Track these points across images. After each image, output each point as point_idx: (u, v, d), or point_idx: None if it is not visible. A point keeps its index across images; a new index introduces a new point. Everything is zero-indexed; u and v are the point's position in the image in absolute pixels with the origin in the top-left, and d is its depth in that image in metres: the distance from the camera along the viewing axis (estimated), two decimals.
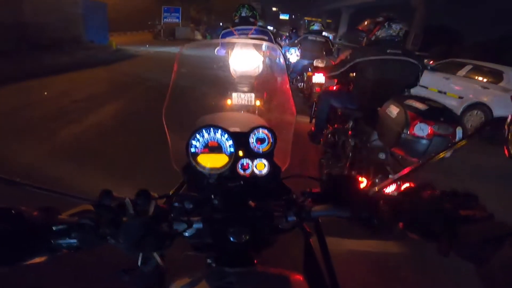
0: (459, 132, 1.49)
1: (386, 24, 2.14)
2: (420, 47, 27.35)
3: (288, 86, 0.96)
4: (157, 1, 22.04)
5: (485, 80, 5.55)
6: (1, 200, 0.43)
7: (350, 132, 2.15)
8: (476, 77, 5.75)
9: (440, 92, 6.26)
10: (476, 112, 5.36)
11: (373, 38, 2.22)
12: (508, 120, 0.48)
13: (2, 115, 3.56)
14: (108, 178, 2.32)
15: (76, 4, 10.88)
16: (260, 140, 0.69)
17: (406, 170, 0.53)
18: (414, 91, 6.88)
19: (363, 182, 1.88)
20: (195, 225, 0.52)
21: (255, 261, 0.56)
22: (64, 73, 6.35)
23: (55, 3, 10.50)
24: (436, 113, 1.51)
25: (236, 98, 2.33)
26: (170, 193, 0.65)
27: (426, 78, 6.69)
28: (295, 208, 0.55)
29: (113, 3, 19.68)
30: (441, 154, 0.52)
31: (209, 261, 0.61)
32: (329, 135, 2.50)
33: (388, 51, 2.07)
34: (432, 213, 0.47)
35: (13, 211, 0.42)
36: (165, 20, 19.34)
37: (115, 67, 8.11)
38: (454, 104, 5.81)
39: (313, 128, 2.73)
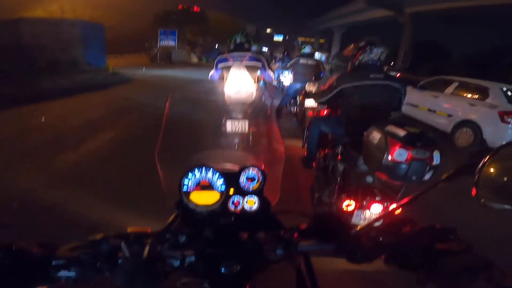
0: (436, 156, 1.57)
1: (367, 49, 2.23)
2: (410, 64, 28.15)
3: (276, 127, 1.02)
4: (154, 24, 22.68)
5: (472, 97, 5.61)
6: (4, 233, 0.47)
7: (339, 157, 2.21)
8: (464, 94, 5.81)
9: (430, 110, 6.31)
10: (465, 129, 5.39)
11: (356, 63, 2.32)
12: (480, 165, 0.51)
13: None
14: (104, 207, 2.35)
15: (74, 26, 10.98)
16: (250, 179, 0.72)
17: (388, 212, 0.59)
18: (405, 111, 6.97)
19: (351, 205, 1.93)
20: (188, 259, 0.55)
21: (248, 287, 0.59)
22: (62, 97, 6.45)
23: (53, 25, 10.74)
24: (414, 138, 1.59)
25: (230, 126, 2.39)
26: (167, 223, 0.68)
27: (416, 96, 6.77)
28: (283, 243, 0.58)
29: (110, 25, 20.00)
30: (419, 194, 0.56)
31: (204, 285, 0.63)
32: (321, 160, 2.57)
33: (371, 76, 2.16)
34: (411, 247, 0.52)
35: (14, 247, 0.46)
36: (161, 43, 19.58)
37: (112, 91, 8.21)
38: (443, 122, 5.87)
39: (305, 153, 2.80)
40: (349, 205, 1.93)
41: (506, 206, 0.53)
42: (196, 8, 25.84)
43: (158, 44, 19.50)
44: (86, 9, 22.39)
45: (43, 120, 4.74)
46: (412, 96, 6.86)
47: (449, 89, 6.14)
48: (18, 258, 0.45)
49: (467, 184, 0.53)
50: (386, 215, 0.60)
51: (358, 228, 0.57)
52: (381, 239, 0.55)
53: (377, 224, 0.62)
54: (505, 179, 0.53)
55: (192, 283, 0.61)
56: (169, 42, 19.97)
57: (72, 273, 0.49)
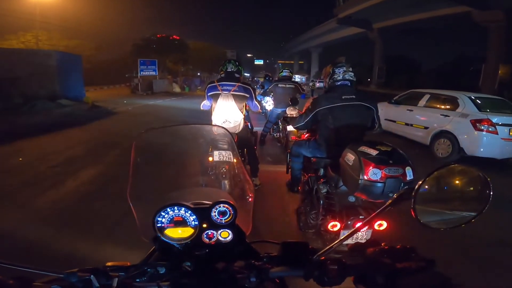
0: (408, 171, 1.64)
1: (330, 71, 2.34)
2: (385, 78, 29.51)
3: (243, 166, 1.05)
4: (133, 53, 22.59)
5: (444, 107, 5.80)
6: None
7: (321, 180, 2.25)
8: (436, 106, 6.00)
9: (407, 124, 6.47)
10: (443, 140, 5.54)
11: (327, 86, 2.43)
12: (414, 190, 0.56)
13: None
14: (84, 244, 2.29)
15: (50, 57, 10.57)
16: (222, 213, 0.76)
17: (350, 233, 0.62)
18: (384, 126, 7.17)
19: (337, 226, 1.95)
20: None
21: None
22: (40, 135, 6.27)
23: (28, 56, 10.30)
24: (385, 157, 1.66)
25: (217, 155, 2.38)
26: (145, 257, 0.73)
27: (392, 111, 6.96)
28: (256, 271, 0.61)
29: (87, 55, 19.66)
30: (388, 206, 0.61)
31: None
32: (305, 184, 2.60)
33: (343, 97, 2.23)
34: (373, 268, 0.55)
35: None
36: (141, 73, 19.24)
37: (92, 126, 8.02)
38: (421, 135, 6.03)
39: (289, 178, 2.82)
40: (334, 225, 1.95)
41: (441, 226, 0.58)
42: (175, 36, 26.31)
43: (139, 74, 19.17)
44: (63, 38, 21.98)
45: (20, 160, 4.60)
46: (389, 111, 7.07)
47: (422, 102, 6.35)
48: None
49: None
50: (344, 239, 0.63)
51: (320, 253, 0.61)
52: (345, 262, 0.58)
53: (342, 248, 0.66)
54: (437, 201, 0.58)
55: None
56: (149, 72, 19.74)
57: None
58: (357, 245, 0.63)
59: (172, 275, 0.61)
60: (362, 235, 1.90)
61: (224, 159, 2.30)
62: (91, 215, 2.95)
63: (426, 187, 0.57)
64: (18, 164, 4.46)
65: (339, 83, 2.32)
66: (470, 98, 5.50)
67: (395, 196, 0.61)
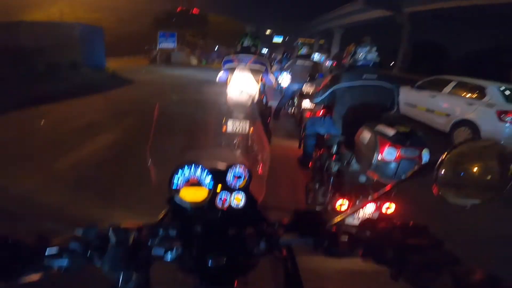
0: (425, 154, 1.59)
1: (353, 50, 2.28)
2: (410, 63, 28.17)
3: (262, 129, 1.04)
4: (153, 26, 22.66)
5: (470, 96, 5.60)
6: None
7: (334, 157, 2.24)
8: (461, 94, 5.80)
9: (428, 110, 6.32)
10: (463, 128, 5.40)
11: (347, 64, 2.36)
12: (438, 162, 0.53)
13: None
14: (101, 203, 2.41)
15: (73, 28, 10.95)
16: (237, 177, 0.76)
17: (364, 203, 0.62)
18: (403, 111, 7.06)
19: (345, 204, 1.95)
20: (175, 251, 0.59)
21: (235, 283, 0.62)
22: (62, 100, 6.46)
23: (52, 28, 10.70)
24: (403, 137, 1.61)
25: (231, 125, 2.44)
26: (158, 218, 0.72)
27: (414, 96, 6.80)
28: (266, 237, 0.62)
29: (109, 28, 19.96)
30: (400, 183, 0.61)
31: (193, 282, 0.65)
32: (316, 160, 2.60)
33: (364, 76, 2.18)
34: (384, 243, 0.55)
35: (9, 240, 0.49)
36: (160, 45, 19.45)
37: (112, 93, 8.22)
38: (442, 122, 5.89)
39: (302, 153, 2.82)
40: (342, 204, 1.95)
41: (465, 201, 0.55)
42: (195, 10, 25.87)
43: (158, 46, 19.41)
44: (85, 11, 22.46)
45: (42, 123, 4.78)
46: (410, 96, 6.87)
47: (447, 89, 6.14)
48: (14, 249, 0.49)
49: None
50: (356, 208, 0.65)
51: (332, 222, 0.61)
52: (357, 235, 0.58)
53: (354, 221, 0.65)
54: (463, 175, 0.55)
55: (180, 279, 0.64)
56: (168, 45, 19.88)
57: (64, 262, 0.52)
58: (369, 220, 0.62)
59: (183, 237, 0.61)
60: (370, 216, 1.91)
61: (240, 129, 2.34)
62: (108, 179, 3.07)
63: (450, 161, 0.54)
64: (40, 127, 4.64)
65: (360, 62, 2.26)
66: (498, 88, 5.27)
67: (415, 168, 0.59)
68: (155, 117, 0.93)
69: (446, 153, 0.53)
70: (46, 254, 0.52)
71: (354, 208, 0.65)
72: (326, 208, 2.18)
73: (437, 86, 6.43)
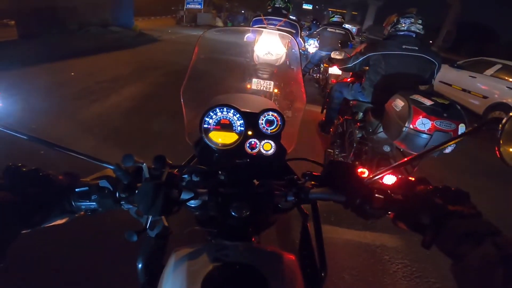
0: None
1: (395, 20, 2.14)
2: (452, 44, 26.01)
3: (301, 78, 1.01)
4: None
5: None
6: (30, 162, 0.48)
7: (358, 124, 2.18)
8: (504, 77, 5.45)
9: (464, 90, 6.05)
10: (498, 112, 5.16)
11: (386, 33, 2.23)
12: (504, 121, 0.48)
13: (32, 93, 3.81)
14: (126, 150, 2.50)
15: None
16: (269, 122, 0.73)
17: (402, 161, 0.55)
18: (437, 89, 6.69)
19: (365, 173, 1.92)
20: (201, 197, 0.55)
21: (253, 239, 0.58)
22: (91, 56, 6.61)
23: None
24: (440, 109, 1.51)
25: (256, 84, 2.43)
26: (182, 164, 0.69)
27: (451, 75, 6.47)
28: (295, 189, 0.57)
29: None
30: (436, 149, 0.54)
31: (210, 235, 0.64)
32: (339, 126, 2.54)
33: (404, 46, 2.06)
34: (421, 206, 0.49)
35: (40, 173, 0.47)
36: (187, 6, 19.22)
37: (138, 51, 8.32)
38: (477, 104, 5.66)
39: (323, 118, 2.76)
40: (362, 172, 1.91)
41: None
42: None
43: (185, 7, 19.21)
44: None
45: (72, 74, 4.93)
46: (447, 74, 6.59)
47: (489, 71, 5.78)
48: (44, 184, 0.47)
49: None
50: (400, 164, 0.56)
51: (370, 177, 0.55)
52: (392, 196, 0.53)
53: (391, 181, 0.59)
54: None
55: (199, 231, 0.64)
56: (195, 5, 19.66)
57: (92, 204, 0.51)
58: (405, 180, 0.54)
59: (210, 183, 0.58)
60: None
61: (263, 88, 2.31)
62: (131, 128, 3.17)
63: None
64: (70, 77, 4.81)
65: (402, 33, 2.12)
66: None
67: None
68: (194, 56, 0.90)
69: (507, 117, 0.47)
70: (76, 191, 0.50)
71: (387, 169, 0.55)
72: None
73: (479, 68, 6.07)
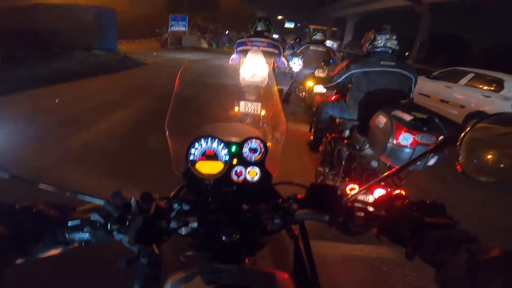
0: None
1: (372, 36, 2.25)
2: (426, 54, 27.26)
3: (279, 101, 1.05)
4: (165, 9, 22.44)
5: (487, 88, 5.50)
6: (21, 198, 0.50)
7: (345, 141, 2.24)
8: (478, 86, 5.70)
9: (442, 101, 6.23)
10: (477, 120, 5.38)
11: (365, 50, 2.34)
12: (461, 136, 0.51)
13: (15, 121, 3.73)
14: (115, 180, 2.47)
15: (87, 11, 11.12)
16: (253, 150, 0.76)
17: (380, 178, 0.60)
18: (416, 101, 6.93)
19: (355, 189, 1.96)
20: (191, 224, 0.58)
21: (246, 260, 0.61)
22: (75, 80, 6.56)
23: (67, 10, 10.89)
24: (420, 123, 1.60)
25: (244, 106, 2.46)
26: (171, 195, 0.72)
27: (429, 87, 6.68)
28: (281, 212, 0.61)
29: (121, 10, 19.96)
30: (410, 164, 0.59)
31: (205, 259, 0.65)
32: (327, 144, 2.60)
33: (382, 63, 2.16)
34: (401, 220, 0.53)
35: (34, 210, 0.49)
36: (172, 28, 19.40)
37: (124, 74, 8.30)
38: (455, 113, 5.82)
39: (312, 137, 2.82)
40: (352, 189, 1.96)
41: (490, 179, 0.53)
42: None
43: (169, 29, 19.36)
44: None
45: (57, 101, 4.86)
46: (425, 86, 6.78)
47: (464, 80, 6.04)
48: (38, 219, 0.49)
49: None
50: (371, 186, 0.61)
51: (349, 197, 0.60)
52: (372, 212, 0.57)
53: (370, 199, 0.64)
54: (487, 150, 0.53)
55: (195, 256, 0.64)
56: (179, 28, 19.87)
57: (85, 235, 0.53)
58: (385, 197, 0.60)
59: (199, 211, 0.61)
60: None
61: (250, 110, 2.35)
62: (119, 156, 3.14)
63: (473, 136, 0.51)
64: (54, 104, 4.73)
65: (379, 49, 2.23)
66: None
67: (438, 141, 0.57)
68: (175, 90, 0.92)
69: (469, 127, 0.51)
70: (69, 225, 0.52)
71: (366, 187, 0.61)
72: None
73: (454, 78, 6.31)
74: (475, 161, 0.52)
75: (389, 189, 1.92)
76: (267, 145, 0.77)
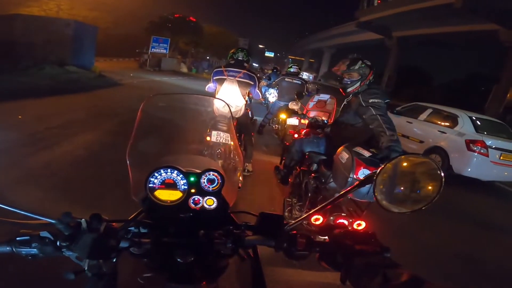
0: None
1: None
2: (394, 88, 29.28)
3: (236, 138, 1.11)
4: (148, 30, 22.54)
5: (443, 124, 5.82)
6: None
7: (312, 175, 2.32)
8: (436, 121, 6.02)
9: (403, 136, 6.37)
10: (434, 156, 5.55)
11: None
12: (376, 174, 0.58)
13: None
14: (72, 203, 2.35)
15: (68, 26, 10.89)
16: (211, 181, 0.79)
17: (319, 207, 0.68)
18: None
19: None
20: (144, 246, 0.63)
21: (204, 282, 0.65)
22: (42, 97, 6.28)
23: (47, 23, 10.70)
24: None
25: (216, 136, 2.46)
26: (129, 219, 0.73)
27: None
28: (232, 237, 0.67)
29: (104, 27, 19.86)
30: (343, 195, 0.66)
31: (162, 281, 0.67)
32: (296, 176, 2.67)
33: (346, 100, 2.30)
34: (336, 247, 0.61)
35: None
36: (152, 49, 19.40)
37: (96, 94, 8.04)
38: (415, 148, 6.06)
39: (281, 170, 2.87)
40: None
41: (401, 210, 0.62)
42: (192, 18, 25.94)
43: (150, 50, 19.29)
44: (84, 9, 22.11)
45: (19, 118, 4.61)
46: None
47: (423, 116, 6.36)
48: None
49: None
50: (309, 215, 0.70)
51: (290, 225, 0.67)
52: (313, 239, 0.64)
53: (315, 228, 0.70)
54: (397, 185, 0.62)
55: (152, 277, 0.67)
56: (160, 50, 19.90)
57: (33, 250, 0.56)
58: (327, 225, 0.70)
59: (153, 234, 0.65)
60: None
61: (222, 140, 2.37)
62: (81, 180, 2.99)
63: (385, 174, 0.60)
64: (17, 121, 4.47)
65: None
66: (470, 118, 5.54)
67: (362, 178, 0.65)
68: (138, 119, 0.94)
69: (381, 167, 0.59)
70: (17, 239, 0.55)
71: (304, 216, 0.72)
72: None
73: (414, 113, 6.66)
74: (387, 195, 0.61)
75: (350, 219, 1.99)
76: (224, 177, 0.81)
